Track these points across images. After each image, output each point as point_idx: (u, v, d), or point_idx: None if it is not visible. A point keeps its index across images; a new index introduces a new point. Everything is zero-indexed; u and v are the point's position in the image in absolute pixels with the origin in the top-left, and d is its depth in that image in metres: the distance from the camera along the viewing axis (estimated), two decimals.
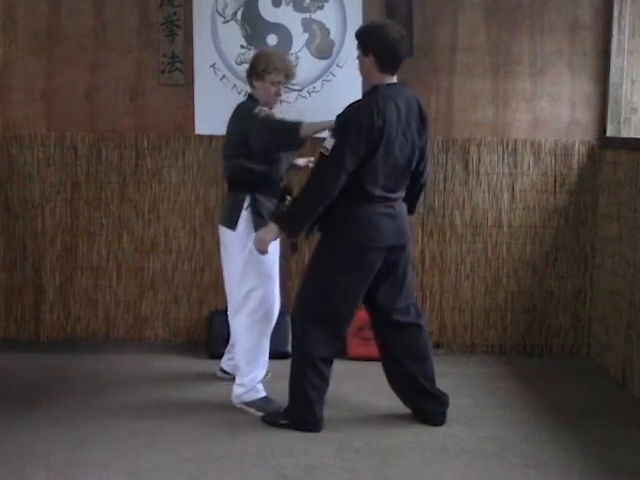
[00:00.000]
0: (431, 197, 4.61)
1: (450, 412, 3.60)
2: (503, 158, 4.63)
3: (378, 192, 3.36)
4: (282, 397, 3.58)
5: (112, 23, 4.59)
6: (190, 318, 4.77)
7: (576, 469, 3.15)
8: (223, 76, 4.58)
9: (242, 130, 3.63)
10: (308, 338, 3.42)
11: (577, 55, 4.55)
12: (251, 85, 3.82)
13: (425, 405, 3.59)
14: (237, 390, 3.72)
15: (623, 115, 4.51)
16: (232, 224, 3.70)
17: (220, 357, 4.19)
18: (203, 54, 4.55)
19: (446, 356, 4.58)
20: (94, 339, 4.78)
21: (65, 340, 4.77)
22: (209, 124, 4.53)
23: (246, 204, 3.67)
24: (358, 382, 4.07)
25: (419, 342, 3.58)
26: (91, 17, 4.59)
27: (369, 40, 3.36)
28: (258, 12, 4.55)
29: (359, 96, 4.25)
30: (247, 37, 4.56)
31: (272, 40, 4.55)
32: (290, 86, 4.18)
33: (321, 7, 4.54)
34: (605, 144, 4.53)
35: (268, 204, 3.68)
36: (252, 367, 3.70)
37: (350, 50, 4.11)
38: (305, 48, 4.57)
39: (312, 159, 3.66)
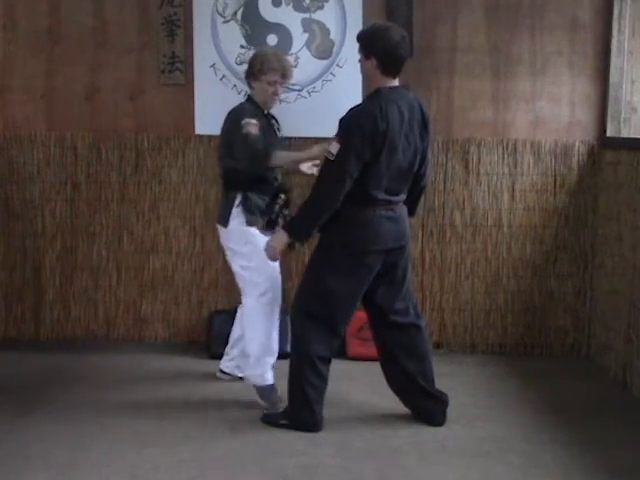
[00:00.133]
0: (431, 197, 4.61)
1: (450, 412, 3.59)
2: (503, 158, 4.63)
3: (381, 195, 3.36)
4: (282, 397, 3.61)
5: (112, 23, 4.59)
6: (190, 318, 4.77)
7: (576, 469, 3.14)
8: (223, 76, 4.58)
9: (230, 137, 3.70)
10: (306, 338, 3.42)
11: (577, 55, 4.55)
12: (249, 86, 3.84)
13: (425, 405, 3.59)
14: (248, 371, 3.78)
15: (623, 115, 4.51)
16: (224, 221, 3.77)
17: (220, 357, 4.19)
18: (203, 54, 4.56)
19: (446, 356, 4.58)
20: (94, 339, 4.78)
21: (65, 340, 4.77)
22: (209, 124, 4.51)
23: (237, 202, 3.72)
24: (358, 382, 4.07)
25: (418, 343, 3.58)
26: (91, 17, 4.59)
27: (371, 43, 3.35)
28: (258, 12, 4.55)
29: (359, 96, 4.29)
30: (247, 37, 4.56)
31: (272, 40, 4.55)
32: (290, 86, 4.20)
33: (321, 7, 4.54)
34: (605, 144, 4.53)
35: (259, 201, 3.72)
36: (264, 351, 3.72)
37: (350, 50, 4.13)
38: (305, 48, 4.57)
39: (317, 162, 3.66)
